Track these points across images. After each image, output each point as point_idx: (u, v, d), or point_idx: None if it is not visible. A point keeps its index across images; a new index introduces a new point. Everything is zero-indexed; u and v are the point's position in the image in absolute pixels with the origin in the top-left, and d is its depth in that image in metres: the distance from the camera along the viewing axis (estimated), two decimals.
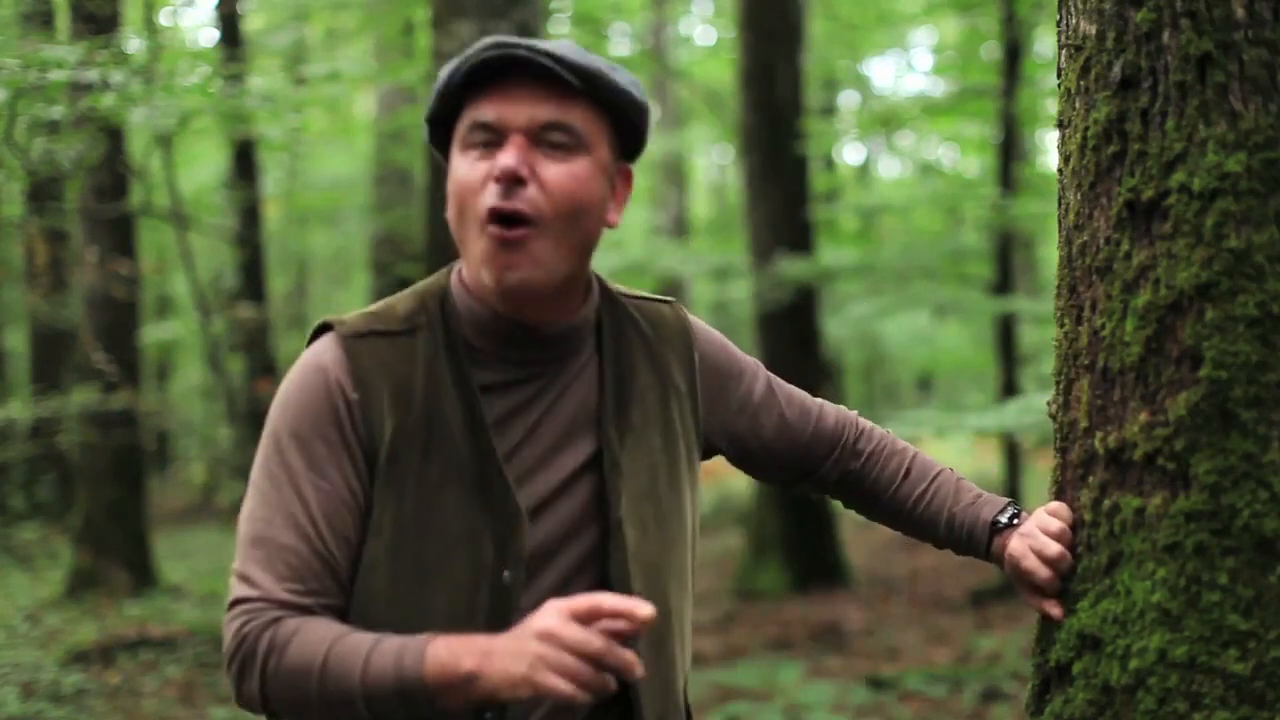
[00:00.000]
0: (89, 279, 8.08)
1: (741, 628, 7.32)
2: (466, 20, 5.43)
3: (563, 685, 1.33)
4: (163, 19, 8.15)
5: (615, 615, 1.34)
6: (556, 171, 1.49)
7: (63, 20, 6.86)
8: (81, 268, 8.16)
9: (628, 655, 1.34)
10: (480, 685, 1.37)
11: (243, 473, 7.00)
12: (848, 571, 8.91)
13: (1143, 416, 1.56)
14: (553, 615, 1.35)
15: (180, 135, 6.49)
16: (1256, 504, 1.50)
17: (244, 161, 7.09)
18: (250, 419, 6.64)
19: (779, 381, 1.82)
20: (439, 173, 5.51)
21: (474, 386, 1.55)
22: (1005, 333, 8.78)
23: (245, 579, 1.48)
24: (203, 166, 12.80)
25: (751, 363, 1.80)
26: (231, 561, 1.52)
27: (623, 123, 1.57)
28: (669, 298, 1.76)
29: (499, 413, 1.55)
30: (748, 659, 6.58)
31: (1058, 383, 1.71)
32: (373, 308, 1.61)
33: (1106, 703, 1.56)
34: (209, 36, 11.12)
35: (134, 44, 6.98)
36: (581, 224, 1.52)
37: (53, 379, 9.97)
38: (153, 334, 12.09)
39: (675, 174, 18.90)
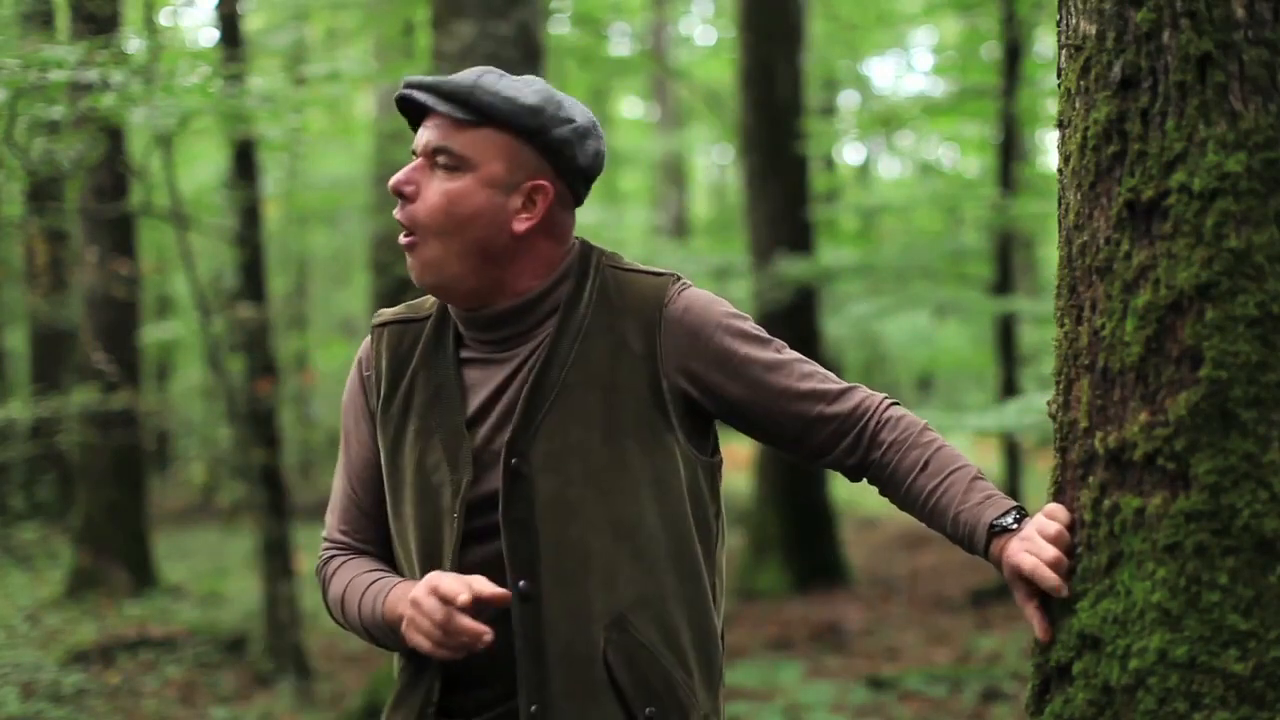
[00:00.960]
0: (89, 279, 8.08)
1: (741, 628, 7.32)
2: (466, 20, 5.43)
3: (423, 643, 1.69)
4: (163, 19, 8.14)
5: (444, 599, 1.65)
6: (434, 189, 1.78)
7: (63, 20, 6.86)
8: (81, 268, 8.16)
9: (472, 626, 1.64)
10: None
11: (243, 473, 7.00)
12: (848, 571, 8.91)
13: (1143, 416, 1.56)
14: (422, 587, 1.68)
15: (180, 135, 6.47)
16: (1256, 504, 1.50)
17: (244, 161, 7.07)
18: (250, 419, 6.63)
19: (796, 361, 1.85)
20: None
21: (453, 360, 1.85)
22: (1005, 333, 8.78)
23: (326, 520, 1.96)
24: (203, 166, 12.79)
25: (749, 338, 1.83)
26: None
27: (530, 137, 1.78)
28: (666, 271, 1.88)
29: (470, 382, 1.84)
30: (748, 659, 6.58)
31: (1058, 383, 1.71)
32: (414, 300, 1.97)
33: (1106, 703, 1.56)
34: (209, 36, 11.11)
35: (134, 44, 6.97)
36: (465, 233, 1.77)
37: (53, 379, 9.96)
38: (153, 334, 12.08)
39: (675, 174, 18.91)
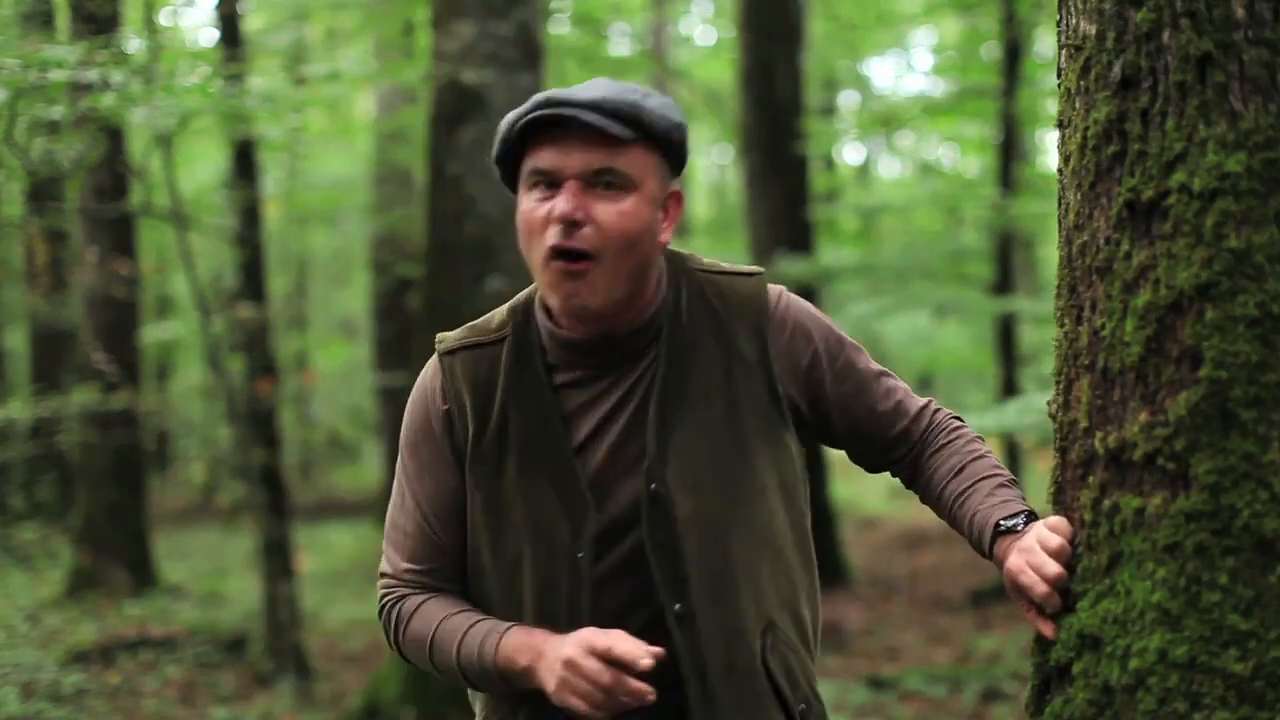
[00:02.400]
0: (89, 279, 8.08)
1: None
2: (466, 20, 5.43)
3: (581, 705, 1.63)
4: (163, 19, 8.14)
5: (621, 663, 1.60)
6: (608, 211, 1.70)
7: (63, 20, 6.86)
8: (81, 268, 8.16)
9: (637, 688, 1.60)
10: (534, 681, 1.68)
11: (243, 473, 7.00)
12: (848, 571, 8.91)
13: (1143, 416, 1.56)
14: (576, 647, 1.63)
15: (180, 135, 6.47)
16: (1256, 504, 1.50)
17: (244, 161, 7.07)
18: (250, 419, 6.63)
19: (885, 373, 1.89)
20: (439, 173, 5.51)
21: (548, 386, 1.78)
22: (1005, 333, 8.78)
23: (386, 556, 1.85)
24: (203, 166, 12.78)
25: (845, 345, 1.87)
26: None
27: (669, 151, 1.77)
28: (755, 270, 1.88)
29: (573, 407, 1.78)
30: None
31: (1058, 383, 1.71)
32: (476, 321, 1.88)
33: (1106, 703, 1.56)
34: (209, 36, 11.11)
35: (134, 44, 6.97)
36: (635, 251, 1.73)
37: (53, 379, 9.96)
38: (153, 334, 12.07)
39: None
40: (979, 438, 1.89)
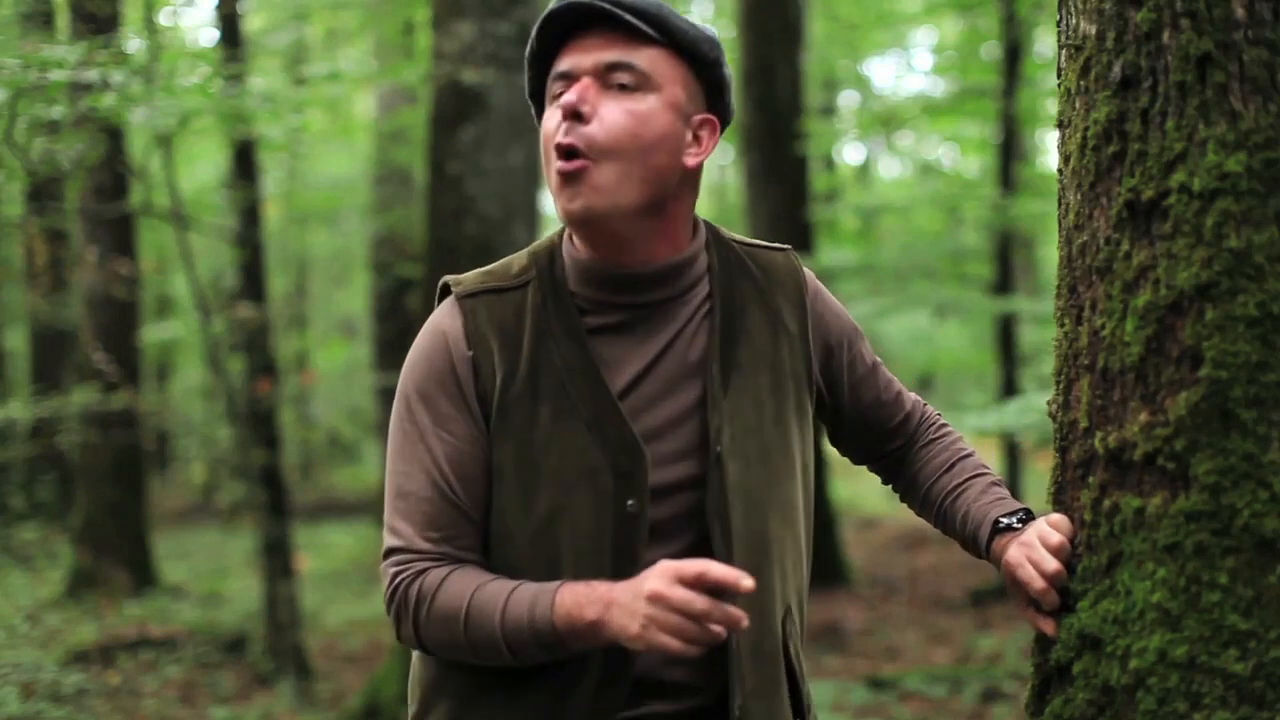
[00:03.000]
0: (89, 279, 8.08)
1: None
2: (466, 20, 5.43)
3: (672, 643, 1.46)
4: (163, 19, 8.14)
5: (719, 586, 1.45)
6: (616, 108, 1.59)
7: (63, 20, 6.86)
8: (81, 268, 8.15)
9: (734, 612, 1.46)
10: (604, 633, 1.50)
11: (243, 473, 7.00)
12: (848, 571, 8.91)
13: (1143, 416, 1.56)
14: (661, 579, 1.47)
15: (180, 135, 6.47)
16: (1256, 504, 1.50)
17: (244, 161, 7.07)
18: (250, 419, 6.63)
19: (881, 363, 1.89)
20: (439, 173, 5.51)
21: (582, 330, 1.64)
22: (1005, 333, 8.78)
23: (393, 530, 1.64)
24: (203, 166, 12.79)
25: (859, 330, 1.87)
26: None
27: (700, 69, 1.65)
28: (784, 246, 1.82)
29: (610, 354, 1.65)
30: None
31: (1058, 383, 1.71)
32: (490, 266, 1.73)
33: (1106, 703, 1.56)
34: (209, 36, 11.11)
35: (134, 44, 6.97)
36: (648, 158, 1.60)
37: (53, 379, 9.96)
38: (153, 334, 12.07)
39: None
40: (961, 436, 1.90)
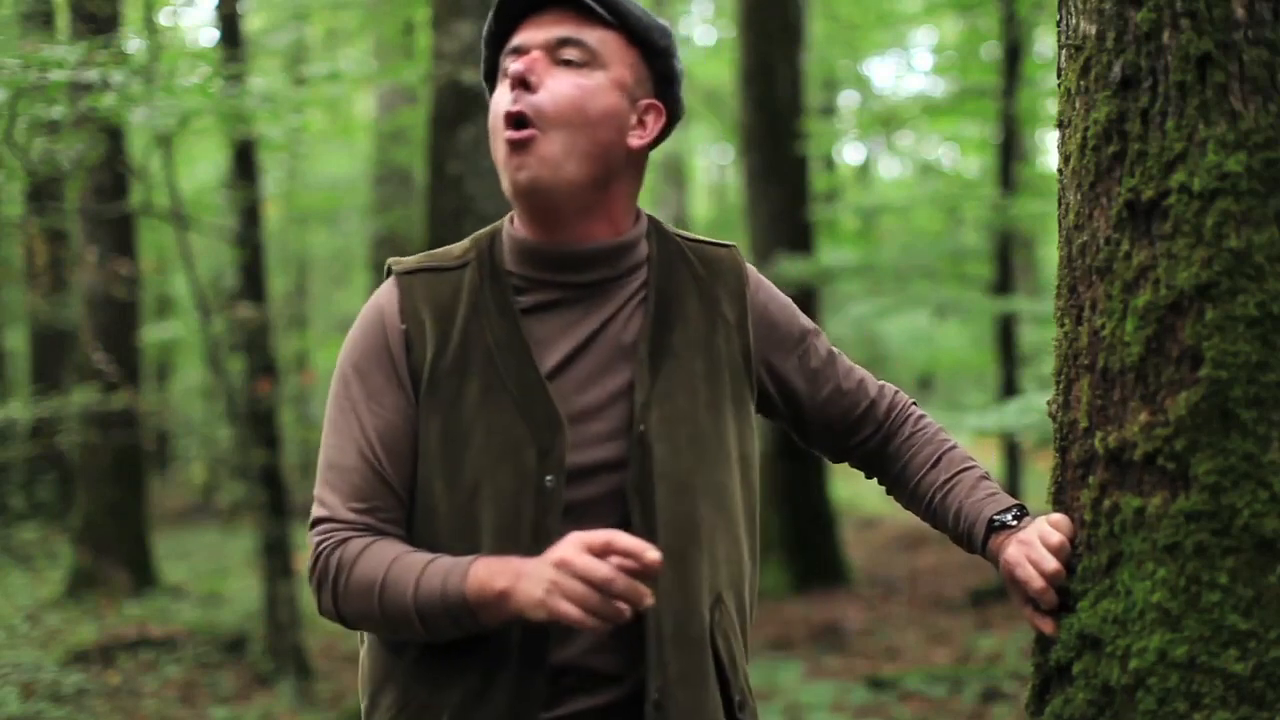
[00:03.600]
0: (89, 279, 8.08)
1: None
2: (466, 20, 5.43)
3: (573, 611, 1.45)
4: (163, 19, 8.14)
5: (625, 553, 1.44)
6: (564, 80, 1.63)
7: (63, 20, 6.86)
8: (81, 268, 8.15)
9: (637, 585, 1.44)
10: (511, 604, 1.50)
11: (243, 473, 7.00)
12: (848, 571, 8.91)
13: (1143, 416, 1.56)
14: (569, 545, 1.47)
15: (180, 135, 6.47)
16: (1256, 504, 1.50)
17: (244, 161, 7.07)
18: (250, 419, 6.63)
19: (841, 354, 1.88)
20: (439, 173, 5.51)
21: (514, 308, 1.67)
22: (1005, 333, 8.78)
23: (320, 500, 1.65)
24: (203, 166, 12.79)
25: (813, 327, 1.87)
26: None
27: (650, 55, 1.70)
28: (728, 243, 1.84)
29: (542, 333, 1.67)
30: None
31: (1058, 383, 1.71)
32: (434, 250, 1.77)
33: (1106, 703, 1.56)
34: (209, 36, 11.11)
35: (134, 44, 6.97)
36: (593, 133, 1.64)
37: (53, 379, 9.96)
38: (153, 334, 12.07)
39: (675, 174, 18.88)
40: (941, 427, 1.88)
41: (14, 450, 8.65)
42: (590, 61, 1.65)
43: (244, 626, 7.10)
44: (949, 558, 9.49)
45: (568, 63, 1.64)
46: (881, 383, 1.90)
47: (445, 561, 1.56)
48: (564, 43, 1.64)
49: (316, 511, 1.66)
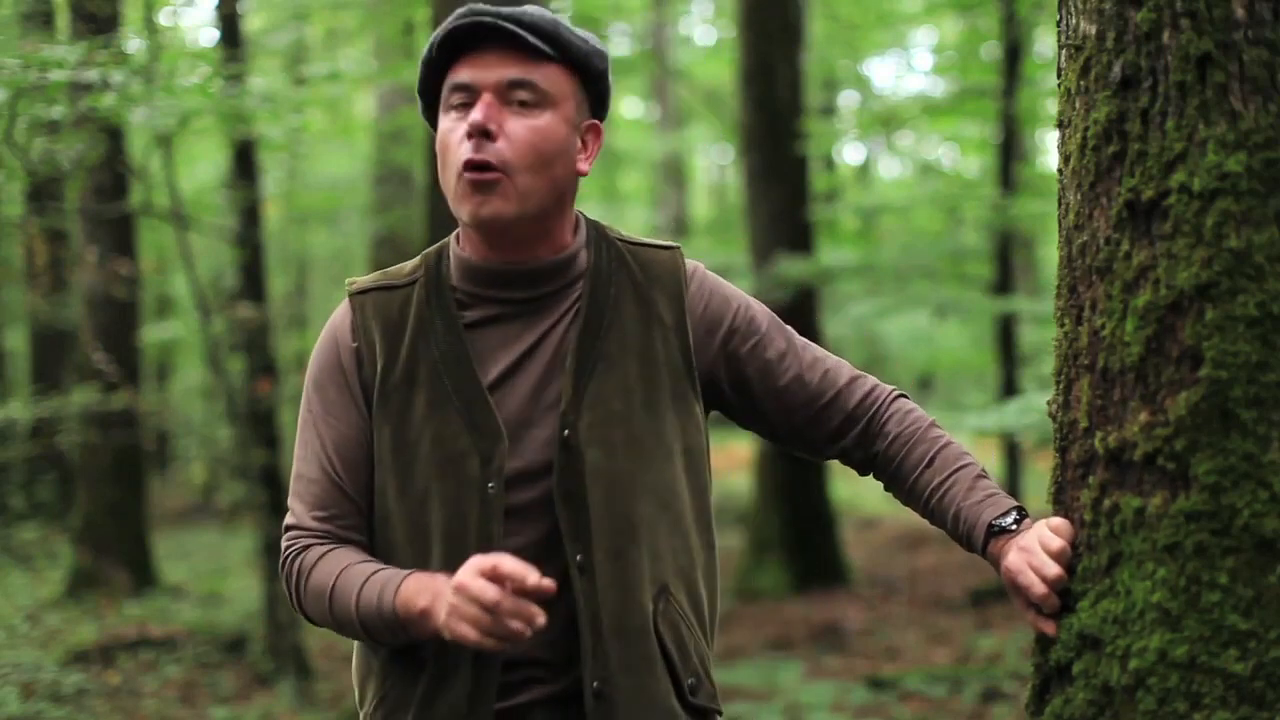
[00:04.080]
0: (89, 279, 8.08)
1: (741, 628, 7.32)
2: None
3: (470, 632, 1.56)
4: (163, 19, 8.14)
5: (509, 578, 1.54)
6: (521, 126, 1.71)
7: (63, 20, 6.86)
8: (81, 268, 8.15)
9: (525, 606, 1.54)
10: (430, 623, 1.61)
11: (243, 473, 7.00)
12: (848, 571, 8.91)
13: (1143, 416, 1.56)
14: (466, 569, 1.57)
15: (180, 135, 6.47)
16: (1256, 504, 1.50)
17: (244, 161, 7.07)
18: (250, 419, 6.63)
19: (807, 345, 1.86)
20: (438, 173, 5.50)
21: (459, 323, 1.77)
22: (1005, 333, 8.78)
23: (290, 508, 1.79)
24: (203, 166, 12.79)
25: (769, 318, 1.87)
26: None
27: (589, 81, 1.78)
28: (671, 244, 1.88)
29: (484, 347, 1.76)
30: (748, 659, 6.58)
31: (1058, 383, 1.71)
32: (388, 269, 1.86)
33: (1106, 703, 1.56)
34: (209, 36, 11.10)
35: (134, 44, 6.97)
36: (549, 170, 1.73)
37: (53, 379, 9.96)
38: (153, 334, 12.07)
39: (675, 174, 18.90)
40: (930, 419, 1.84)
41: (14, 450, 8.66)
42: (541, 102, 1.72)
43: (244, 626, 7.10)
44: (949, 558, 9.49)
45: (521, 103, 1.72)
46: (858, 375, 1.87)
47: (384, 575, 1.67)
48: (515, 85, 1.71)
49: (287, 519, 1.79)
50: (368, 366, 1.77)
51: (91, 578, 8.07)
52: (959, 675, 5.95)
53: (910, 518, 12.13)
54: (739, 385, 1.84)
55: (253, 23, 11.28)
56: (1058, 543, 1.62)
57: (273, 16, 12.13)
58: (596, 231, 1.84)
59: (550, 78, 1.73)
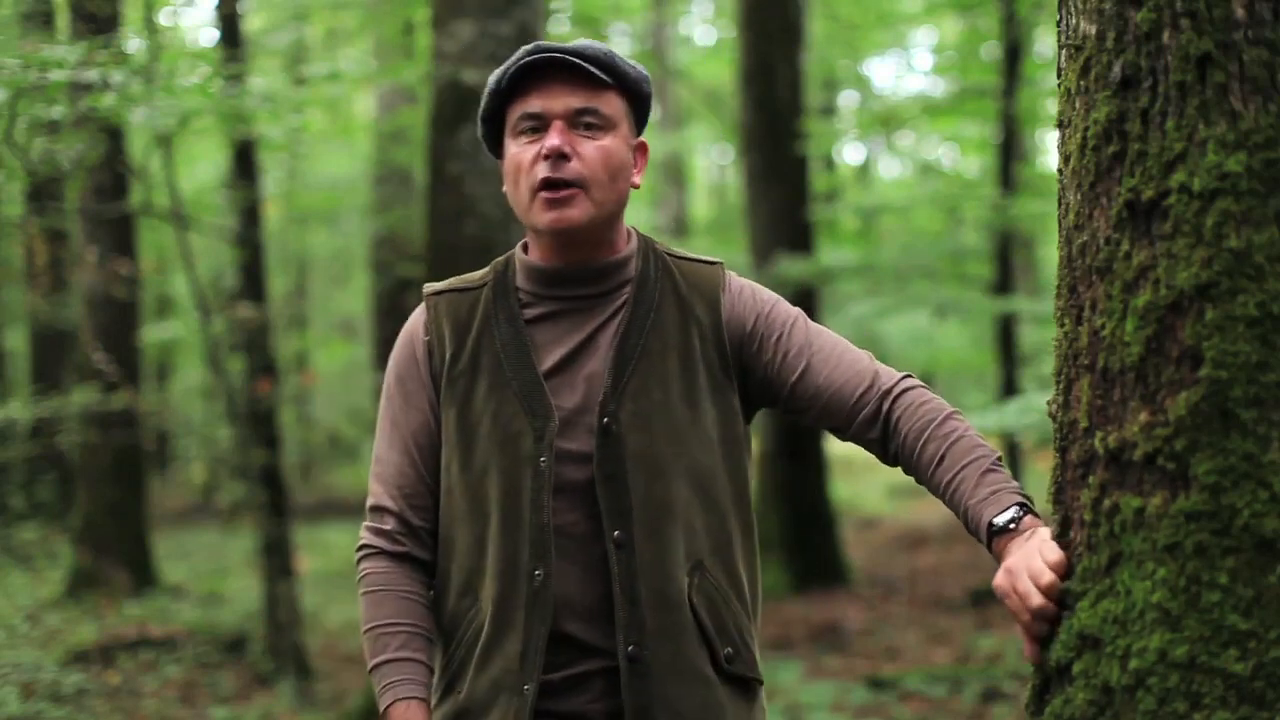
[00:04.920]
0: (89, 279, 8.08)
1: None
2: (466, 20, 5.43)
3: None
4: (163, 19, 8.13)
5: None
6: (590, 147, 1.94)
7: (63, 20, 6.86)
8: (81, 268, 8.15)
9: None
10: None
11: (243, 473, 7.00)
12: (848, 571, 8.91)
13: (1143, 416, 1.56)
14: None
15: (180, 135, 6.47)
16: (1256, 504, 1.50)
17: (244, 161, 7.06)
18: (250, 419, 6.63)
19: (835, 342, 1.98)
20: (439, 173, 5.51)
21: (520, 318, 1.98)
22: (1005, 333, 8.78)
23: (371, 490, 2.02)
24: (203, 166, 12.78)
25: (794, 316, 2.00)
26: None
27: (637, 103, 2.01)
28: (715, 259, 2.07)
29: (543, 339, 1.97)
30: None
31: (1058, 383, 1.71)
32: (464, 275, 2.10)
33: (1106, 703, 1.56)
34: (209, 36, 11.10)
35: (134, 44, 6.98)
36: (615, 185, 1.96)
37: (53, 379, 9.95)
38: (153, 334, 12.06)
39: (675, 174, 18.89)
40: (945, 410, 1.88)
41: (14, 450, 8.65)
42: (605, 125, 1.95)
43: (244, 626, 7.10)
44: (949, 558, 9.49)
45: (587, 126, 1.94)
46: (878, 369, 1.95)
47: (389, 674, 1.93)
48: (582, 112, 1.94)
49: (369, 501, 2.02)
50: (437, 358, 1.99)
51: (91, 578, 8.06)
52: (959, 675, 5.95)
53: (910, 518, 12.11)
54: (766, 378, 1.98)
55: (253, 23, 11.28)
56: (1048, 578, 1.62)
57: (273, 16, 12.13)
58: (646, 244, 2.05)
59: (610, 104, 1.96)
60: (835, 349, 1.97)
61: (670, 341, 1.96)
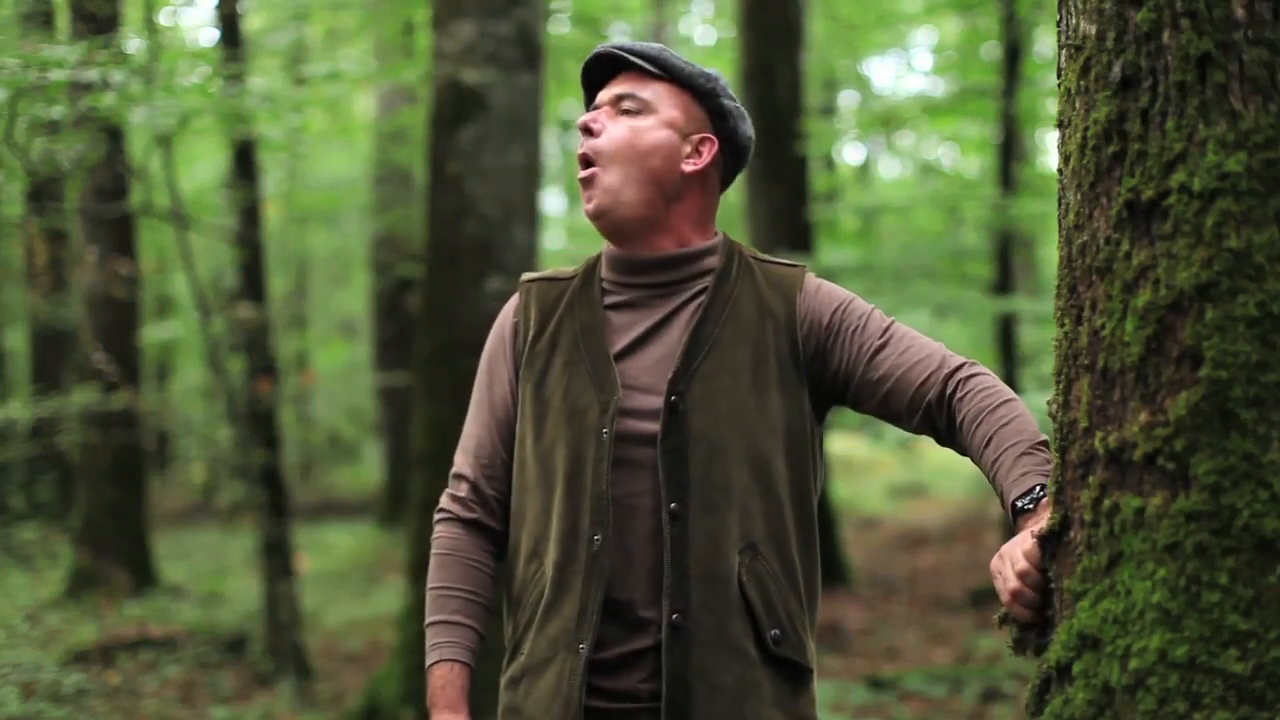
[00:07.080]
0: (89, 279, 8.07)
1: None
2: (466, 20, 5.43)
3: None
4: (163, 19, 8.13)
5: None
6: (620, 125, 2.06)
7: (63, 20, 6.85)
8: (81, 268, 8.15)
9: None
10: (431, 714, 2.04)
11: (243, 473, 7.00)
12: (848, 571, 8.91)
13: (1143, 416, 1.56)
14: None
15: (180, 135, 6.47)
16: (1256, 504, 1.50)
17: (244, 161, 7.06)
18: (250, 419, 6.63)
19: (904, 335, 2.02)
20: (439, 173, 5.51)
21: (599, 303, 2.09)
22: (1005, 333, 8.78)
23: (456, 459, 2.16)
24: (203, 166, 12.78)
25: (868, 312, 2.06)
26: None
27: (701, 98, 2.08)
28: (799, 263, 2.15)
29: (619, 323, 2.07)
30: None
31: (1058, 383, 1.71)
32: (559, 268, 2.22)
33: (1106, 703, 1.56)
34: (209, 36, 11.10)
35: (134, 44, 6.97)
36: (644, 162, 2.04)
37: (53, 379, 9.95)
38: (153, 334, 12.06)
39: None
40: (1003, 396, 1.91)
41: (14, 450, 8.65)
42: (643, 109, 2.06)
43: (244, 626, 7.10)
44: (949, 558, 9.49)
45: (626, 111, 2.07)
46: (946, 354, 2.00)
47: (439, 635, 2.06)
48: (622, 98, 2.07)
49: (454, 468, 2.15)
50: (521, 338, 2.12)
51: (91, 578, 8.06)
52: (959, 675, 5.95)
53: (910, 518, 12.11)
54: (841, 367, 2.03)
55: (253, 23, 11.28)
56: (1021, 565, 1.70)
57: (273, 16, 12.12)
58: (731, 245, 2.12)
59: (655, 92, 2.07)
60: (909, 335, 2.03)
61: (744, 333, 2.03)
